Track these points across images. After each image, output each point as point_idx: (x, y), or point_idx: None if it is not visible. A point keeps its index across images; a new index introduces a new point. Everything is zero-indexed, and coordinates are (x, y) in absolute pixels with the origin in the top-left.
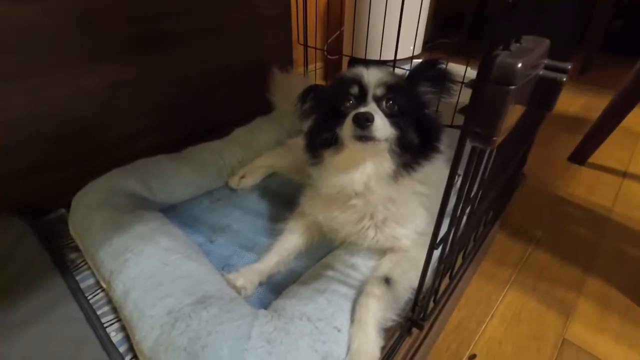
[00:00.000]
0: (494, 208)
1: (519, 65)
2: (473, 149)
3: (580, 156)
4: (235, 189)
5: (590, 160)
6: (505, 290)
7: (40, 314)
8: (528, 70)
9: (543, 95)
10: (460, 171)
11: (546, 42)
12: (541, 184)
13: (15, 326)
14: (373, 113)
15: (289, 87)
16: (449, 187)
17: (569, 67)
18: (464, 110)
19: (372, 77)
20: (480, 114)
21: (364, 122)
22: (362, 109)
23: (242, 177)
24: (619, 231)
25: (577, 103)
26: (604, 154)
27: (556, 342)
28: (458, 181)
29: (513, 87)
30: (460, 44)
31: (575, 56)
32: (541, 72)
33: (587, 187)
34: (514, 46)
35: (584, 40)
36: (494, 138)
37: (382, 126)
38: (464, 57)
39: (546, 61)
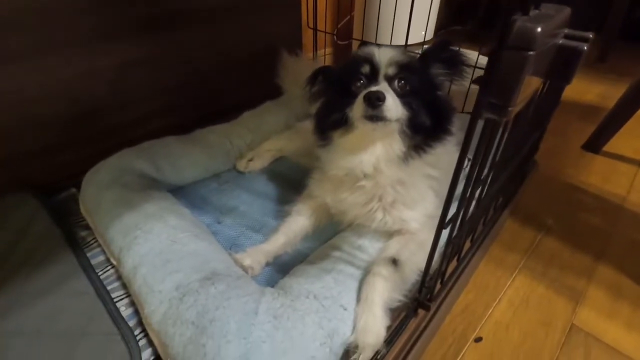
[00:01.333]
0: (504, 193)
1: (539, 29)
2: (486, 122)
3: (594, 145)
4: (243, 172)
5: (605, 148)
6: (514, 275)
7: (53, 287)
8: (548, 37)
9: (562, 65)
10: (471, 155)
11: (567, 10)
12: (554, 172)
13: (29, 297)
14: (384, 92)
15: (298, 71)
16: (460, 166)
17: (590, 36)
18: (479, 80)
19: (383, 56)
20: (496, 82)
21: (375, 101)
22: (374, 88)
23: (250, 160)
24: (633, 220)
25: (594, 91)
26: (619, 142)
27: (564, 327)
28: (468, 165)
29: (532, 52)
30: (472, 31)
31: (592, 44)
32: (561, 41)
33: (601, 175)
34: (533, 12)
35: (602, 28)
36: (510, 108)
37: (393, 106)
38: (477, 44)
39: (566, 30)
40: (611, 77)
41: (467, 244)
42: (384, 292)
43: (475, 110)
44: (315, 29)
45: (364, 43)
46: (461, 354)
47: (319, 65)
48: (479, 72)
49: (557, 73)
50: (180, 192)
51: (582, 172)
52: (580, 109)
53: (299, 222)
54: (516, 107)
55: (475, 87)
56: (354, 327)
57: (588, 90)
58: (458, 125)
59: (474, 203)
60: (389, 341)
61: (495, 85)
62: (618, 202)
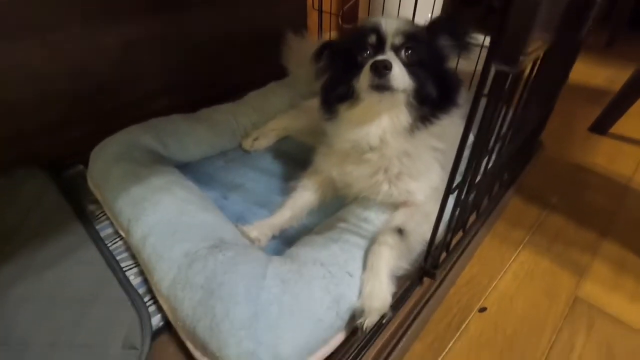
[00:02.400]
0: (510, 171)
1: None
2: (496, 75)
3: (601, 126)
4: (249, 150)
5: (612, 130)
6: (519, 250)
7: (63, 256)
8: None
9: (573, 17)
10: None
11: None
12: (560, 153)
13: (40, 266)
14: (391, 61)
15: (303, 52)
16: (470, 125)
17: None
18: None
19: (390, 25)
20: (508, 30)
21: (382, 70)
22: (380, 57)
23: (255, 139)
24: (638, 200)
25: (601, 75)
26: (626, 124)
27: (568, 299)
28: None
29: None
30: (479, 15)
31: (601, 30)
32: None
33: (607, 156)
34: None
35: (611, 14)
36: (521, 57)
37: (400, 75)
38: (483, 29)
39: None
40: (619, 62)
41: (473, 218)
42: (390, 260)
43: (487, 59)
44: (320, 11)
45: None
46: (465, 322)
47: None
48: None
49: (568, 25)
50: (186, 168)
51: (589, 153)
52: (587, 92)
53: (304, 196)
54: (527, 58)
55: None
56: (360, 293)
57: (596, 74)
58: (465, 97)
59: (481, 170)
60: (395, 307)
61: (507, 33)
62: (624, 183)
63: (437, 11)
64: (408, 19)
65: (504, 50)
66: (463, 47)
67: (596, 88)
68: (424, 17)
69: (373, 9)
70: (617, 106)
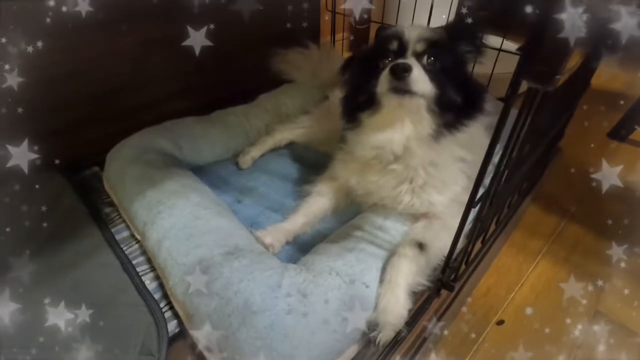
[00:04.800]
0: (529, 179)
1: None
2: (528, 92)
3: (620, 133)
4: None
5: (632, 137)
6: (537, 260)
7: (80, 260)
8: None
9: (610, 36)
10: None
11: None
12: (578, 160)
13: (58, 269)
14: (411, 64)
15: (307, 63)
16: (496, 140)
17: None
18: (521, 48)
19: (412, 32)
20: (544, 47)
21: (401, 72)
22: (401, 60)
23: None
24: None
25: (621, 79)
26: None
27: (587, 313)
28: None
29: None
30: (496, 16)
31: None
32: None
33: (626, 164)
34: None
35: None
36: (557, 76)
37: (420, 78)
38: (500, 30)
39: None
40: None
41: (492, 227)
42: (409, 274)
43: (516, 76)
44: (334, 12)
45: (383, 26)
46: (482, 336)
47: (329, 52)
48: (503, 56)
49: (604, 42)
50: (200, 172)
51: (607, 160)
52: (607, 97)
53: (319, 202)
54: (563, 76)
55: (498, 73)
56: (376, 306)
57: (615, 78)
58: (491, 105)
59: (502, 182)
60: (410, 323)
61: (543, 50)
62: None
63: (453, 11)
64: (429, 27)
65: (538, 68)
66: (480, 52)
67: (615, 92)
68: (439, 19)
69: (387, 9)
70: (635, 113)
